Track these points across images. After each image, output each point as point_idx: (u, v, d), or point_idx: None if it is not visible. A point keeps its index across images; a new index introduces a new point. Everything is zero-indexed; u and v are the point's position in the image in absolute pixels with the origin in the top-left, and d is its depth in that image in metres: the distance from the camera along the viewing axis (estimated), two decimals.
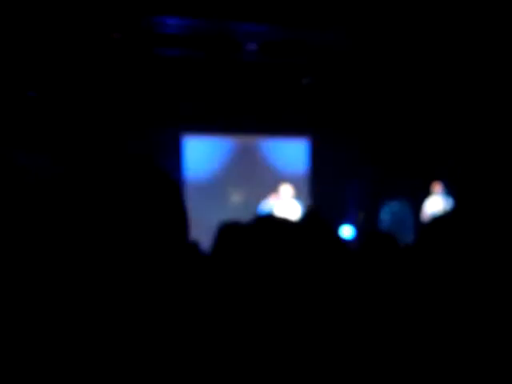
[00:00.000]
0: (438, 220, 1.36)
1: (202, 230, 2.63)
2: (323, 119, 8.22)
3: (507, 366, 1.07)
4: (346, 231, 7.60)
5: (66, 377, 0.82)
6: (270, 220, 1.01)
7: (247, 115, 7.92)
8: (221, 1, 5.57)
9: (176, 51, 6.58)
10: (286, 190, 6.33)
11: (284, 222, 1.04)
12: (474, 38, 6.19)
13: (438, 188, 6.81)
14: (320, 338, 0.96)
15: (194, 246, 1.35)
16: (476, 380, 1.07)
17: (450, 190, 6.85)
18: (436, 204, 6.71)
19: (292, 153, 8.32)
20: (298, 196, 6.56)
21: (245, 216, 1.49)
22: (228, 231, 1.04)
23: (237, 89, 7.77)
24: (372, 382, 1.04)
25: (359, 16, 5.80)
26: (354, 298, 1.17)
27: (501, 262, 1.20)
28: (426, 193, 7.09)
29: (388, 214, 7.73)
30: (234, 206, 7.97)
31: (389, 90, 7.96)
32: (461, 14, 5.70)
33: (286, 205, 6.23)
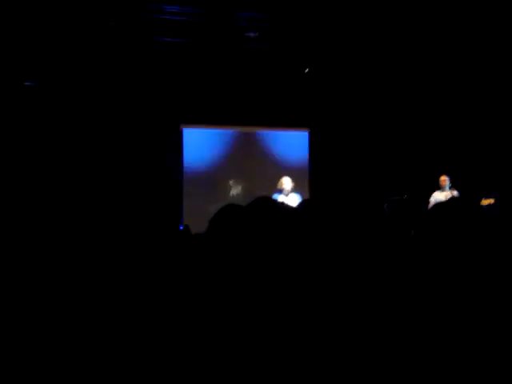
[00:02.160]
0: (438, 206, 1.34)
1: (202, 222, 2.61)
2: (323, 111, 8.18)
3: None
4: None
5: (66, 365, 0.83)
6: (267, 201, 0.98)
7: (247, 107, 7.89)
8: None
9: (175, 40, 6.51)
10: (287, 183, 6.29)
11: (280, 204, 1.02)
12: (474, 36, 6.20)
13: (444, 182, 6.82)
14: (314, 319, 0.93)
15: (186, 228, 1.39)
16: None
17: (455, 184, 6.85)
18: (442, 197, 6.71)
19: (292, 145, 8.28)
20: (297, 189, 6.52)
21: None
22: (224, 210, 1.02)
23: (236, 81, 7.73)
24: (376, 364, 1.01)
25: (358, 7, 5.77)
26: (352, 274, 1.15)
27: (501, 248, 1.18)
28: (428, 187, 7.06)
29: (390, 207, 7.70)
30: (234, 198, 7.97)
31: (390, 82, 7.92)
32: (460, 13, 5.71)
33: (286, 197, 6.19)
